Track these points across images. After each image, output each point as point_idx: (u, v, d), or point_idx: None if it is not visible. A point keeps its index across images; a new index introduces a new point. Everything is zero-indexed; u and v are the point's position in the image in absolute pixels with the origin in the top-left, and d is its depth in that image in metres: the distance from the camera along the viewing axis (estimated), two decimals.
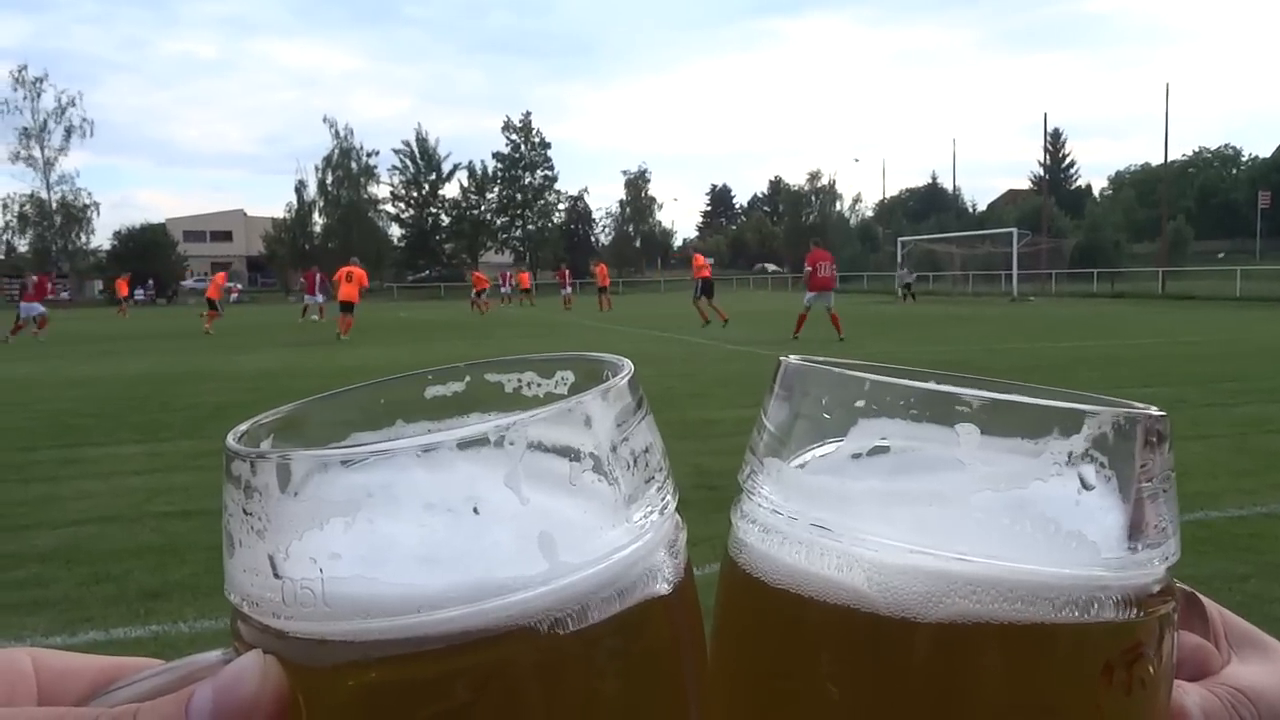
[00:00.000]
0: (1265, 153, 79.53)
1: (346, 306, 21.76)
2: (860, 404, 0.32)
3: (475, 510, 0.28)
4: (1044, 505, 0.30)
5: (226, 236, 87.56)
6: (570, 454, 0.30)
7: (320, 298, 30.57)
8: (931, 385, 0.32)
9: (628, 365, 0.35)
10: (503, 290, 48.58)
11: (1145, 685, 0.30)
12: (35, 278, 24.99)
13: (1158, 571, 0.31)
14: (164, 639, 3.38)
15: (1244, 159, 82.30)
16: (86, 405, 9.69)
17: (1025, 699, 0.30)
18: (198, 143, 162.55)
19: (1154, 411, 0.31)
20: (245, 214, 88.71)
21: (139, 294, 63.72)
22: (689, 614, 0.34)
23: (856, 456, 0.32)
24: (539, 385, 0.39)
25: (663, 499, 0.33)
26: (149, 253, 67.88)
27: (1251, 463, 5.99)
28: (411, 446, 0.28)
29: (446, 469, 0.28)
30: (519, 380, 0.39)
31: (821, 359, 0.34)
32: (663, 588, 0.32)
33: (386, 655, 0.27)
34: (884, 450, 0.32)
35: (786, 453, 0.34)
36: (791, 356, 0.35)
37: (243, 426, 0.34)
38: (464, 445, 0.28)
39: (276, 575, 0.28)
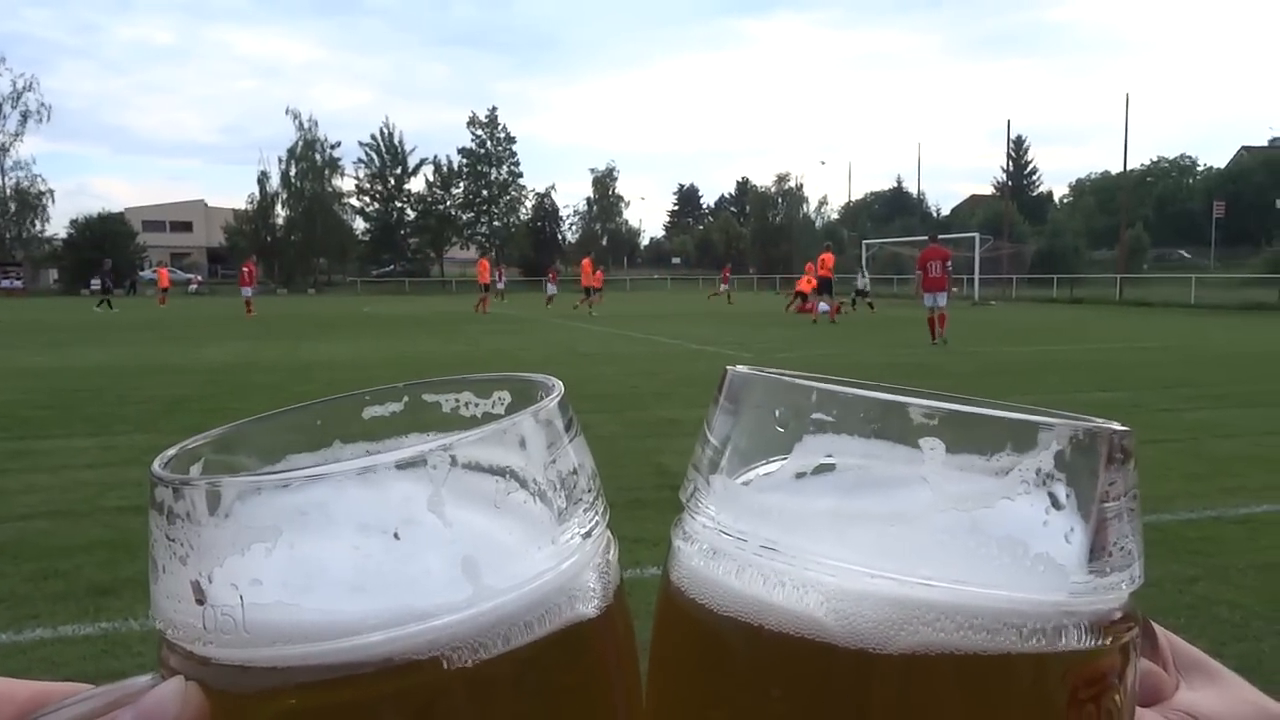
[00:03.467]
0: (1220, 163, 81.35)
1: None
2: (814, 416, 0.30)
3: (396, 536, 0.28)
4: (1011, 526, 0.28)
5: (187, 227, 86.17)
6: (498, 475, 0.30)
7: (250, 290, 30.08)
8: (891, 396, 0.29)
9: (559, 386, 0.35)
10: (549, 291, 47.96)
11: (1111, 716, 0.29)
12: None
13: (1123, 596, 0.30)
14: (114, 636, 3.31)
15: (1200, 169, 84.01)
16: (38, 396, 9.48)
17: None
18: (156, 131, 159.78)
19: (1118, 426, 0.30)
20: (206, 205, 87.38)
21: (95, 284, 62.52)
22: (618, 637, 0.33)
23: (806, 474, 0.30)
24: (476, 405, 0.39)
25: (591, 520, 0.32)
26: (107, 242, 66.60)
27: (1202, 467, 6.10)
28: (338, 470, 0.28)
29: (371, 492, 0.28)
30: (456, 400, 0.39)
31: (772, 370, 0.32)
32: (589, 610, 0.31)
33: (307, 681, 0.27)
34: (837, 467, 0.30)
35: (732, 468, 0.32)
36: (739, 365, 0.33)
37: (170, 451, 0.33)
38: (388, 468, 0.28)
39: (199, 602, 0.28)
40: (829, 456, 0.30)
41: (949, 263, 18.21)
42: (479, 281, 32.94)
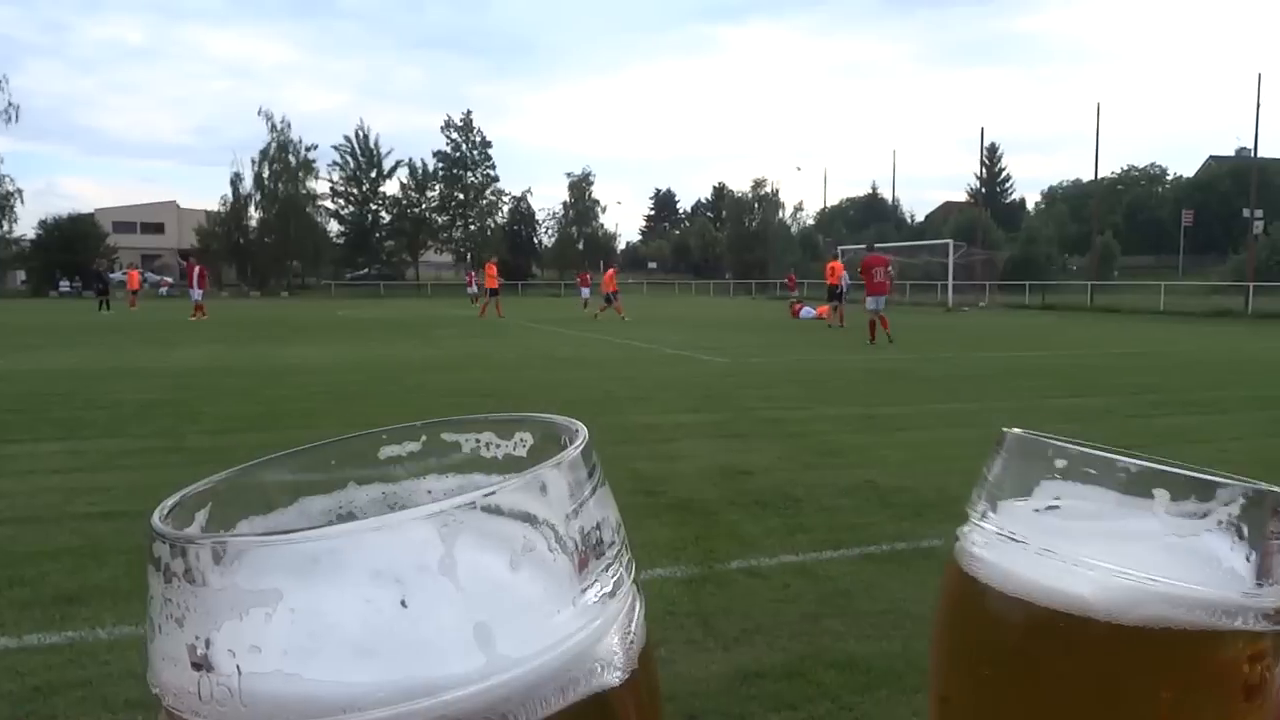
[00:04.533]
0: (1189, 172, 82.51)
1: None
2: (1062, 464, 0.42)
3: (405, 601, 0.26)
4: (1211, 548, 0.40)
5: (158, 229, 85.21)
6: (516, 532, 0.28)
7: (200, 292, 29.50)
8: (1132, 460, 0.41)
9: (583, 432, 0.33)
10: (469, 291, 47.54)
11: (1265, 681, 0.41)
12: None
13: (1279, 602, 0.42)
14: (80, 646, 3.25)
15: (1169, 178, 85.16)
16: (4, 400, 9.33)
17: (1196, 680, 0.40)
18: (126, 131, 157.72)
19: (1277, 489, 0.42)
20: (178, 206, 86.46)
21: (64, 286, 61.70)
22: (644, 707, 0.32)
23: (1065, 505, 0.42)
24: (497, 446, 0.37)
25: (615, 577, 0.31)
26: (77, 243, 65.76)
27: None
28: (344, 532, 0.26)
29: (383, 548, 0.26)
30: (477, 441, 0.37)
31: (1042, 433, 0.43)
32: (613, 679, 0.29)
33: None
34: (1089, 501, 0.41)
35: (1011, 495, 0.43)
36: (1015, 429, 0.45)
37: (170, 500, 0.31)
38: (400, 525, 0.26)
39: (195, 667, 0.26)
40: (1080, 497, 0.41)
41: (890, 269, 20.23)
42: (485, 285, 32.11)
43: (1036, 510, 0.42)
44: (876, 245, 24.05)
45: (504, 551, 0.28)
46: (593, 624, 0.29)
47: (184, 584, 0.27)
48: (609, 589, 0.30)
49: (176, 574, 0.27)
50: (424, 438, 0.38)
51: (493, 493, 0.28)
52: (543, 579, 0.28)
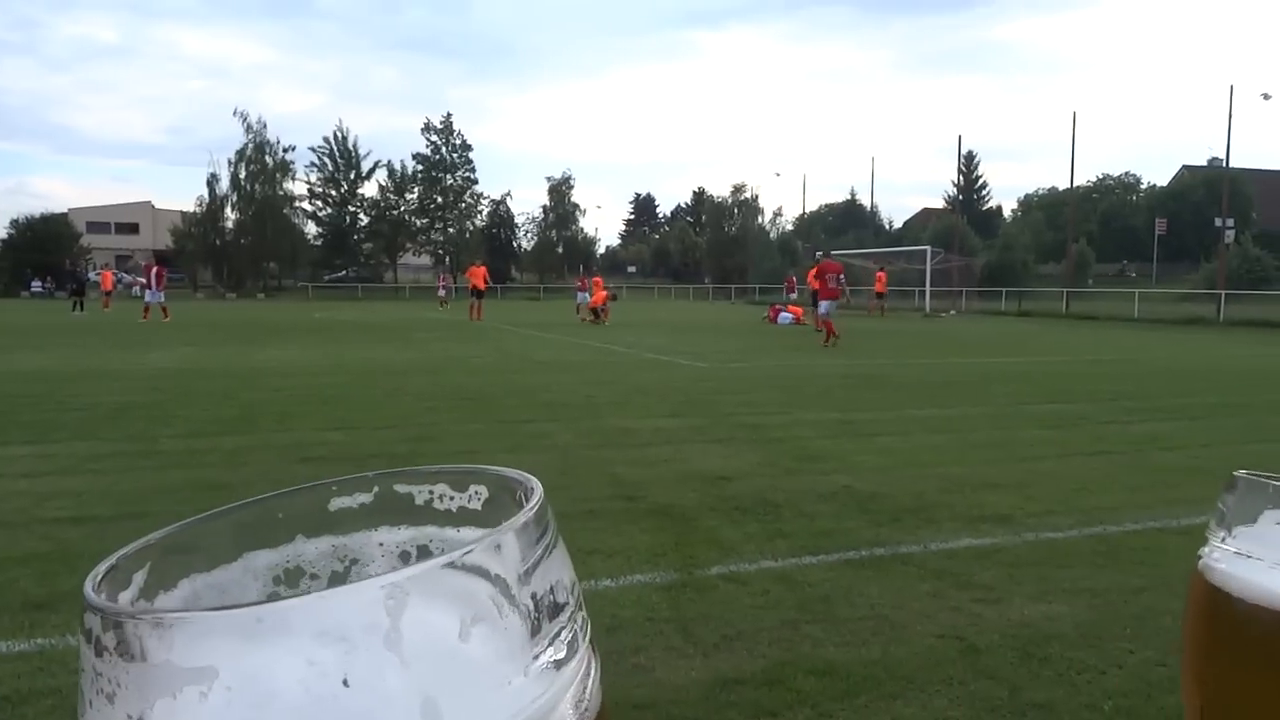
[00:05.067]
0: (1162, 181, 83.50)
1: None
2: None
3: (345, 682, 0.25)
4: None
5: (133, 229, 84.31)
6: (467, 600, 0.27)
7: (161, 294, 28.85)
8: None
9: (538, 489, 0.32)
10: (440, 294, 47.06)
11: None
12: None
13: None
14: (50, 653, 3.19)
15: (1143, 187, 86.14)
16: None
17: None
18: (98, 130, 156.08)
19: None
20: (153, 206, 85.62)
21: (36, 286, 60.90)
22: None
23: None
24: (451, 499, 0.36)
25: (569, 640, 0.30)
26: (50, 243, 64.94)
27: (1147, 479, 6.23)
28: (284, 609, 0.25)
29: (323, 624, 0.25)
30: (430, 492, 0.36)
31: (1263, 474, 0.49)
32: None
33: None
34: None
35: (1244, 521, 0.49)
36: (1243, 472, 0.50)
37: (104, 566, 0.29)
38: (344, 598, 0.25)
39: None
40: None
41: (843, 276, 21.11)
42: (472, 287, 31.66)
43: (1265, 533, 0.48)
44: (860, 251, 25.20)
45: (454, 619, 0.27)
46: (545, 693, 0.28)
47: (116, 659, 0.25)
48: (562, 654, 0.29)
49: (108, 648, 0.25)
50: (376, 489, 0.37)
51: (445, 563, 0.27)
52: (494, 646, 0.27)
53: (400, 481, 0.36)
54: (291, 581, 0.35)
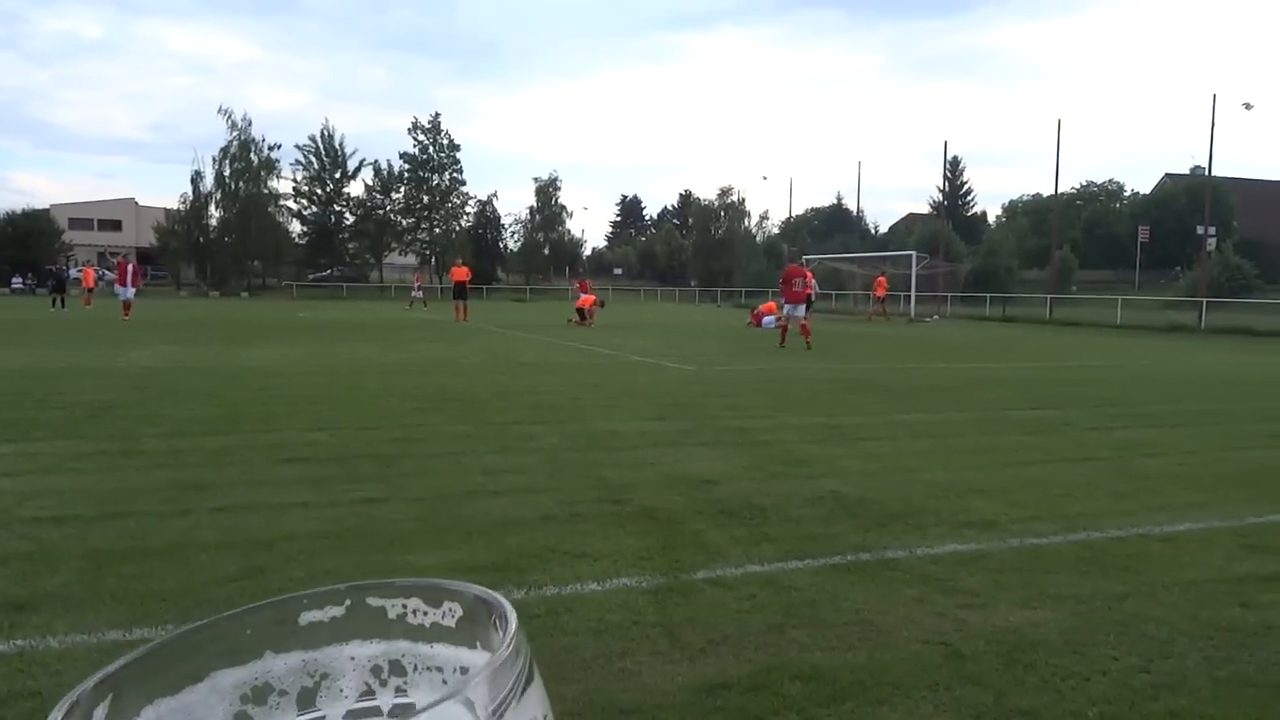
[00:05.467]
0: (1145, 189, 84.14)
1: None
2: None
3: None
4: None
5: (116, 226, 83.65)
6: None
7: (131, 291, 28.36)
8: None
9: (512, 618, 0.31)
10: (413, 295, 46.59)
11: None
12: None
13: None
14: (30, 655, 3.16)
15: (1126, 194, 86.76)
16: None
17: None
18: (81, 126, 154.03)
19: None
20: (137, 203, 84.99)
21: (16, 283, 60.33)
22: None
23: None
24: (425, 614, 0.35)
25: None
26: (31, 239, 64.37)
27: (1129, 485, 6.27)
28: None
29: None
30: (404, 607, 0.35)
31: None
32: None
33: None
34: None
35: None
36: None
37: (66, 703, 0.29)
38: None
39: None
40: None
41: (810, 280, 21.79)
42: (455, 284, 31.44)
43: None
44: (845, 255, 26.19)
45: None
46: None
47: None
48: None
49: None
50: (348, 602, 0.36)
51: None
52: None
53: (373, 595, 0.36)
54: (259, 699, 0.34)
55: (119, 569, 4.00)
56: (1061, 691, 3.00)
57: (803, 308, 20.41)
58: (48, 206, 73.03)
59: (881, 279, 39.50)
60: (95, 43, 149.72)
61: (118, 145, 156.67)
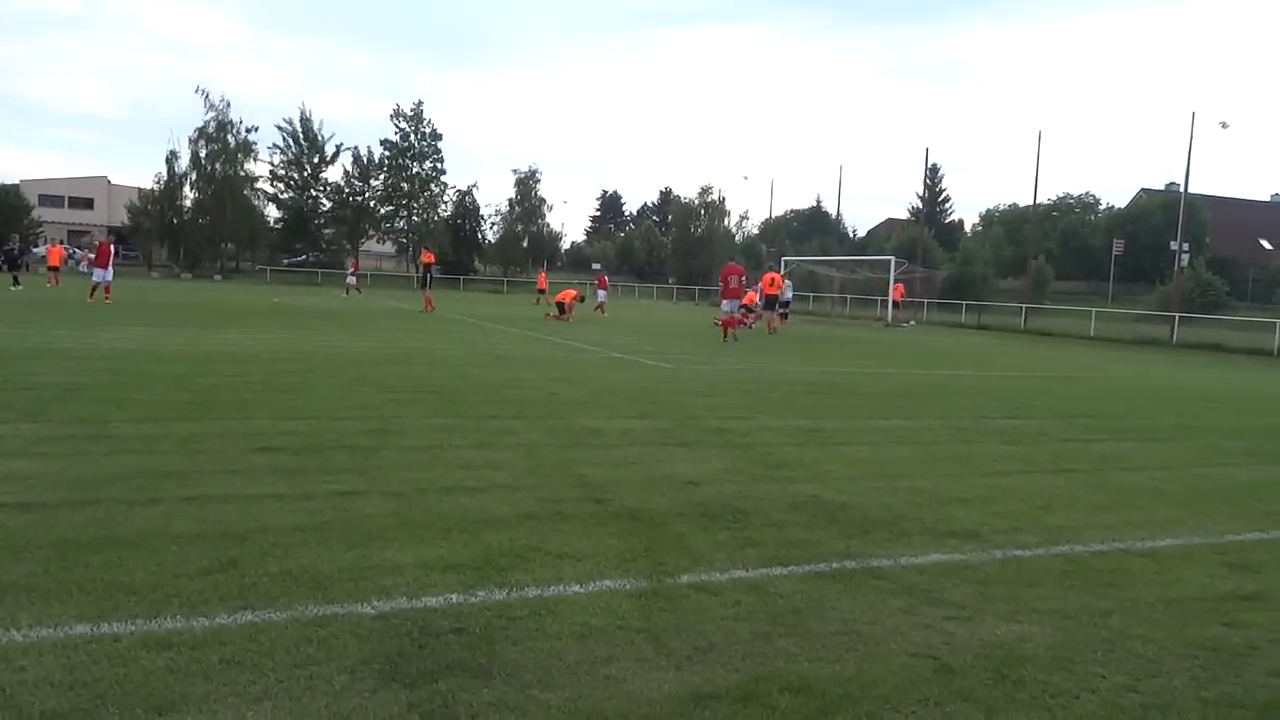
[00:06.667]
0: (1121, 203, 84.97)
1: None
2: None
3: None
4: None
5: (87, 204, 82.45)
6: None
7: (109, 273, 27.66)
8: None
9: None
10: (348, 281, 45.68)
11: None
12: None
13: None
14: None
15: (1101, 207, 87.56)
16: None
17: None
18: (52, 101, 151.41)
19: None
20: (109, 181, 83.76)
21: None
22: None
23: None
24: None
25: None
26: None
27: (1109, 499, 6.28)
28: None
29: None
30: None
31: None
32: None
33: None
34: None
35: None
36: None
37: None
38: None
39: None
40: None
41: (744, 278, 22.89)
42: (422, 265, 31.31)
43: None
44: (824, 258, 27.96)
45: None
46: None
47: None
48: None
49: None
50: None
51: None
52: None
53: None
54: None
55: (87, 559, 3.88)
56: (1052, 710, 2.97)
57: (737, 303, 22.16)
58: (17, 182, 71.74)
59: (899, 285, 41.08)
60: (69, 17, 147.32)
61: (91, 122, 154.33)
